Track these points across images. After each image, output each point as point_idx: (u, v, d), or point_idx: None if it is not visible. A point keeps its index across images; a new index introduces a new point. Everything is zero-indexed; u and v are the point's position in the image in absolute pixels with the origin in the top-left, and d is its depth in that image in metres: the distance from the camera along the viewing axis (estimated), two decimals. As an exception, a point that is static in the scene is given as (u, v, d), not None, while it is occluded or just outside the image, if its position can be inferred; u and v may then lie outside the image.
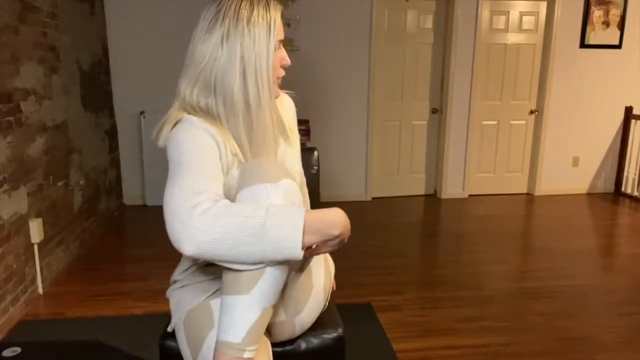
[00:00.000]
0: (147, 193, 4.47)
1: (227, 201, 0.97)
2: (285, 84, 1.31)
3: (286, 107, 1.33)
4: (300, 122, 4.56)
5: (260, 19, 1.11)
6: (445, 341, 2.34)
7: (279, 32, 1.14)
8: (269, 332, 1.17)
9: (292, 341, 1.25)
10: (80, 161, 3.49)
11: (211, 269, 1.21)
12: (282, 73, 1.19)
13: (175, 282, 1.27)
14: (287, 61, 1.18)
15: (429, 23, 4.75)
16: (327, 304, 1.35)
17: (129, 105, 4.40)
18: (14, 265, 2.51)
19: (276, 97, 1.20)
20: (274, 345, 1.21)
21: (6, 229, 2.44)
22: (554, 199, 5.00)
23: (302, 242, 0.94)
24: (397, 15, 4.66)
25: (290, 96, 1.36)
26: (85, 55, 3.70)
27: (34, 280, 2.73)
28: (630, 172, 5.09)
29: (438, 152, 5.03)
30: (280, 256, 0.94)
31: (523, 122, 5.06)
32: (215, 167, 1.04)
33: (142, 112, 4.38)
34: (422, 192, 5.12)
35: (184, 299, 1.20)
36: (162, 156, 1.31)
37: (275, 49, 1.14)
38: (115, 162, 4.38)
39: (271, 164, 1.06)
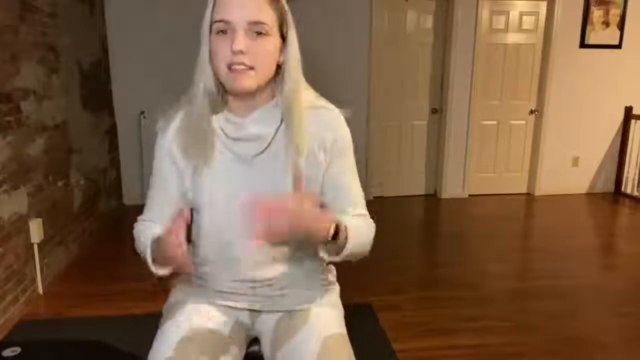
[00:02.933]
0: (147, 193, 4.46)
1: (141, 226, 1.22)
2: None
3: (314, 124, 1.12)
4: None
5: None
6: (445, 341, 2.34)
7: (216, 12, 1.03)
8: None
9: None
10: (80, 161, 3.49)
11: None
12: (228, 59, 1.02)
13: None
14: (235, 46, 1.00)
15: (429, 23, 4.75)
16: None
17: (129, 105, 4.40)
18: (14, 265, 2.51)
19: (236, 91, 1.06)
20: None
21: (6, 229, 2.44)
22: (554, 199, 5.00)
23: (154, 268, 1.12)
24: (397, 15, 4.66)
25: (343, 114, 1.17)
26: (85, 55, 3.70)
27: (34, 280, 2.73)
28: (630, 172, 5.09)
29: (438, 152, 5.03)
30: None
31: (523, 122, 5.06)
32: (161, 197, 1.24)
33: (142, 112, 4.38)
34: (422, 192, 5.11)
35: (173, 298, 1.27)
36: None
37: (210, 32, 1.04)
38: (115, 162, 4.38)
39: None
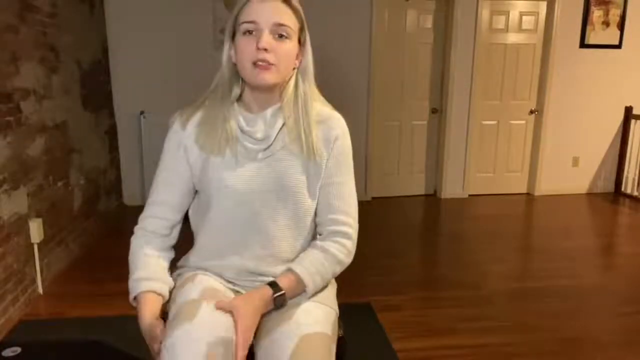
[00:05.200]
0: (147, 193, 4.45)
1: (145, 238, 1.25)
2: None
3: (320, 126, 1.22)
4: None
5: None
6: (445, 341, 2.34)
7: (244, 14, 1.14)
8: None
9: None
10: (80, 161, 3.49)
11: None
12: (254, 56, 1.13)
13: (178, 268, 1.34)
14: (261, 44, 1.11)
15: (429, 23, 4.75)
16: None
17: (129, 105, 4.40)
18: (14, 265, 2.51)
19: (259, 84, 1.16)
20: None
21: (6, 229, 2.44)
22: (554, 199, 5.00)
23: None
24: (397, 15, 4.66)
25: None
26: (85, 55, 3.70)
27: (34, 280, 2.73)
28: (630, 172, 5.09)
29: (438, 152, 5.03)
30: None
31: (523, 122, 5.06)
32: (169, 178, 1.26)
33: (142, 112, 4.38)
34: (422, 192, 5.11)
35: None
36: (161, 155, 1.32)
37: (235, 33, 1.16)
38: (115, 162, 4.38)
39: None
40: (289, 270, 1.19)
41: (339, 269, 1.25)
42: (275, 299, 1.14)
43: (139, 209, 1.32)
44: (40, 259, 2.78)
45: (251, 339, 1.10)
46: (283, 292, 1.15)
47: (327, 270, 1.22)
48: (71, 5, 3.42)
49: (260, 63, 1.12)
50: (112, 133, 4.31)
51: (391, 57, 4.72)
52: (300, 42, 1.20)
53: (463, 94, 4.82)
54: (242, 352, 1.06)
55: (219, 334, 1.04)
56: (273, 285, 1.16)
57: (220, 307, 1.09)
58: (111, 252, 3.44)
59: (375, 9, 4.52)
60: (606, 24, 4.83)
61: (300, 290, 1.19)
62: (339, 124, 1.25)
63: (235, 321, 1.08)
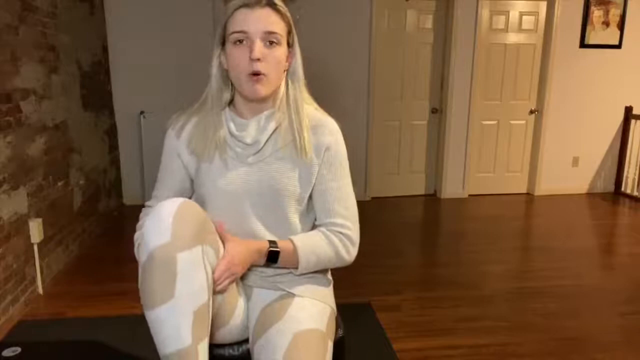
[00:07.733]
0: (147, 193, 4.47)
1: (147, 211, 1.32)
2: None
3: (312, 131, 1.23)
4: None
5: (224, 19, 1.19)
6: (445, 341, 2.34)
7: (233, 24, 1.14)
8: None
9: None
10: (80, 161, 3.49)
11: None
12: (248, 69, 1.13)
13: None
14: (254, 54, 1.12)
15: (429, 23, 4.75)
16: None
17: (129, 105, 4.40)
18: (14, 265, 2.52)
19: (253, 97, 1.17)
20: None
21: (6, 229, 2.44)
22: (553, 199, 5.00)
23: None
24: (397, 15, 4.66)
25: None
26: (85, 55, 3.70)
27: (34, 280, 2.73)
28: (630, 172, 5.09)
29: (438, 152, 5.03)
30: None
31: (523, 122, 5.06)
32: (167, 177, 1.32)
33: (142, 112, 4.38)
34: (422, 192, 5.12)
35: None
36: (161, 156, 1.34)
37: (224, 43, 1.17)
38: (115, 162, 4.38)
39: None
40: (289, 239, 1.21)
41: (335, 261, 1.25)
42: (269, 252, 1.17)
43: (139, 209, 1.34)
44: (40, 259, 2.78)
45: (235, 277, 1.14)
46: (279, 250, 1.18)
47: (324, 254, 1.23)
48: (71, 5, 3.42)
49: (255, 75, 1.13)
50: (112, 133, 4.31)
51: (391, 57, 4.72)
52: (289, 45, 1.22)
53: (463, 94, 4.82)
54: (219, 274, 1.08)
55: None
56: (271, 242, 1.19)
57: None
58: (111, 252, 3.45)
59: (375, 9, 4.52)
60: (606, 24, 4.83)
61: (293, 262, 1.21)
62: (331, 131, 1.26)
63: (225, 251, 1.12)
